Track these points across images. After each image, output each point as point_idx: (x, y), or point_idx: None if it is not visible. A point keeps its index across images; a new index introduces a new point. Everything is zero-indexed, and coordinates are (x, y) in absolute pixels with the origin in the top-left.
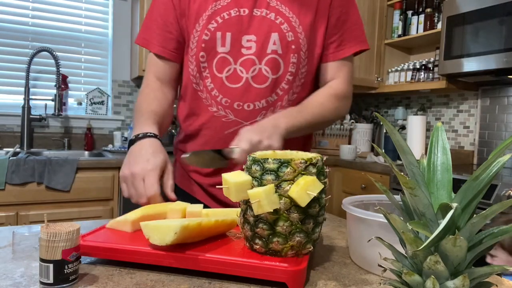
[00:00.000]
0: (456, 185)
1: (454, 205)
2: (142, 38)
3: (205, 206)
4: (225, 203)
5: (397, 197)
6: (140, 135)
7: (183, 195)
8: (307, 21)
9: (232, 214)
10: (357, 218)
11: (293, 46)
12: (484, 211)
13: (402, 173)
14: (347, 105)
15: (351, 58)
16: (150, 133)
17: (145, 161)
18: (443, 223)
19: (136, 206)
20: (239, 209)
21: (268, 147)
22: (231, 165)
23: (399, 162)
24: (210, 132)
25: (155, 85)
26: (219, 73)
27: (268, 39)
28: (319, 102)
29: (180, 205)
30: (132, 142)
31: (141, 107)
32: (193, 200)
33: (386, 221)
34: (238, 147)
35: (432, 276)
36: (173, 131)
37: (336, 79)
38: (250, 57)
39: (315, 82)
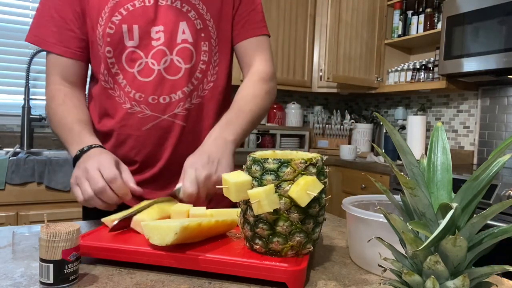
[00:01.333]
0: (456, 185)
1: (454, 205)
2: (34, 35)
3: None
4: None
5: (397, 197)
6: (85, 149)
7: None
8: (214, 8)
9: (232, 215)
10: (357, 218)
11: (202, 34)
12: (484, 211)
13: (402, 173)
14: (275, 85)
15: (264, 40)
16: (95, 144)
17: (96, 158)
18: (443, 223)
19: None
20: (239, 209)
21: (218, 180)
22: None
23: (399, 162)
24: (127, 130)
25: (66, 90)
26: (130, 68)
27: (177, 29)
28: (251, 94)
29: (183, 207)
30: (77, 158)
31: (65, 119)
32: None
33: (386, 221)
34: (183, 187)
35: (432, 276)
36: None
37: (255, 61)
38: (160, 47)
39: (230, 70)
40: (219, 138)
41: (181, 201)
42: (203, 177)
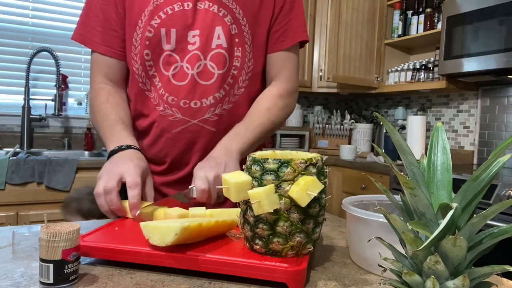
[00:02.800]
0: (456, 185)
1: (454, 205)
2: (80, 34)
3: None
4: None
5: (397, 197)
6: (123, 147)
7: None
8: (251, 12)
9: (232, 215)
10: (357, 218)
11: (237, 39)
12: (484, 211)
13: (402, 173)
14: (294, 101)
15: (296, 49)
16: (134, 146)
17: (122, 163)
18: (443, 223)
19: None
20: (239, 210)
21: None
22: (192, 203)
23: (399, 162)
24: (158, 131)
25: (109, 88)
26: (166, 71)
27: (212, 33)
28: (265, 108)
29: (178, 211)
30: (114, 152)
31: (106, 115)
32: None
33: (386, 221)
34: (196, 185)
35: (432, 276)
36: None
37: (280, 75)
38: (195, 52)
39: (264, 76)
40: (224, 147)
41: (194, 201)
42: (212, 176)
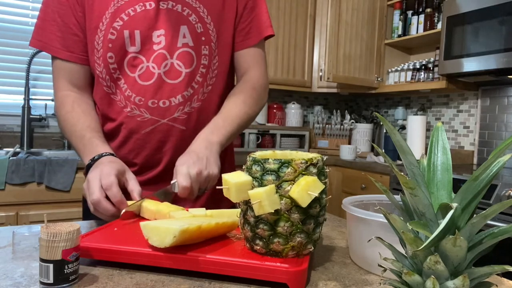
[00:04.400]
0: (456, 185)
1: (454, 205)
2: (38, 40)
3: None
4: None
5: (397, 197)
6: (96, 157)
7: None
8: (215, 11)
9: (233, 216)
10: (357, 218)
11: (203, 38)
12: (484, 211)
13: (402, 173)
14: (266, 95)
15: (263, 45)
16: (105, 153)
17: (100, 168)
18: (443, 223)
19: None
20: (239, 210)
21: (209, 176)
22: (176, 199)
23: (399, 162)
24: (126, 133)
25: (74, 95)
26: (132, 73)
27: (178, 32)
28: (241, 100)
29: (168, 207)
30: (89, 167)
31: (75, 126)
32: None
33: (386, 221)
34: (178, 181)
35: (432, 276)
36: None
37: (251, 70)
38: (161, 51)
39: (230, 72)
40: (205, 140)
41: (175, 196)
42: (195, 172)
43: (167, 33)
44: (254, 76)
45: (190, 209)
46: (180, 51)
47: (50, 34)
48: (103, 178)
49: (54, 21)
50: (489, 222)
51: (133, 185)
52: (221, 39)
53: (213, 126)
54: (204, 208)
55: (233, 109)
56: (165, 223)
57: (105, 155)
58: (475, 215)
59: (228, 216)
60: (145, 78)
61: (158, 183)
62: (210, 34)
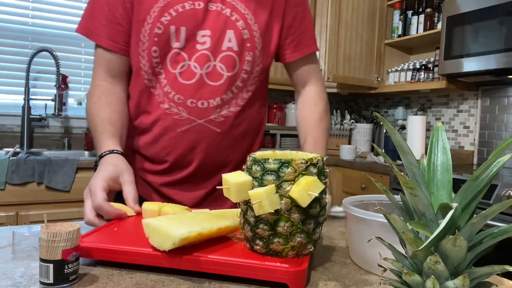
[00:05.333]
0: (456, 185)
1: (454, 205)
2: (84, 27)
3: None
4: (178, 203)
5: (397, 197)
6: (103, 154)
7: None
8: (262, 19)
9: (237, 218)
10: (357, 218)
11: (248, 44)
12: (484, 211)
13: (402, 173)
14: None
15: (314, 57)
16: (108, 151)
17: (95, 177)
18: (443, 223)
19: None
20: (239, 210)
21: None
22: None
23: (399, 162)
24: (161, 129)
25: (105, 86)
26: (173, 69)
27: (224, 36)
28: (318, 119)
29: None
30: (96, 165)
31: (94, 119)
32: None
33: (386, 221)
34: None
35: (432, 276)
36: None
37: (311, 79)
38: (205, 52)
39: (267, 81)
40: None
41: None
42: None
43: (213, 35)
44: (316, 85)
45: (193, 210)
46: (224, 54)
47: (97, 22)
48: (93, 196)
49: (102, 9)
50: (489, 222)
51: (128, 192)
52: (265, 48)
53: (315, 141)
54: (207, 209)
55: (318, 132)
56: (166, 226)
57: (105, 154)
58: (475, 215)
59: (231, 217)
60: (186, 77)
61: (186, 183)
62: (255, 42)
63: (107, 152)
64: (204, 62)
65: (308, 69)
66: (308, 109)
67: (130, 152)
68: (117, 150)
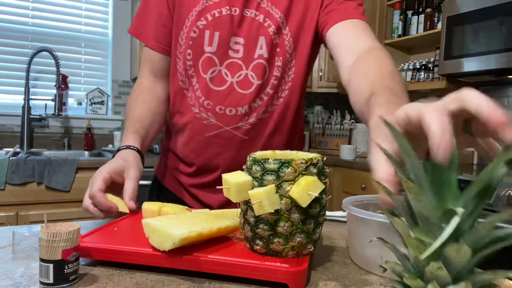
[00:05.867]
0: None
1: (460, 210)
2: (135, 28)
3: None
4: (206, 205)
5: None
6: (120, 148)
7: (166, 195)
8: (294, 20)
9: (237, 217)
10: (357, 218)
11: (278, 49)
12: (491, 218)
13: (404, 175)
14: None
15: (365, 25)
16: (123, 146)
17: (100, 169)
18: (447, 230)
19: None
20: (239, 210)
21: None
22: None
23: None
24: (191, 132)
25: (147, 84)
26: (204, 73)
27: (256, 44)
28: (389, 71)
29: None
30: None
31: (128, 112)
32: (176, 201)
33: (386, 221)
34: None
35: (434, 281)
36: None
37: (363, 41)
38: (237, 61)
39: (303, 87)
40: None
41: None
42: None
43: (246, 43)
44: (372, 41)
45: (193, 210)
46: (255, 62)
47: (146, 22)
48: (91, 185)
49: (150, 11)
50: None
51: (127, 187)
52: (297, 50)
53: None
54: (207, 209)
55: (395, 82)
56: (166, 226)
57: (122, 149)
58: (480, 220)
59: (231, 217)
60: (217, 84)
61: (212, 186)
62: (285, 45)
63: (124, 146)
64: (236, 70)
65: (356, 34)
66: (369, 62)
67: (165, 151)
68: (134, 146)
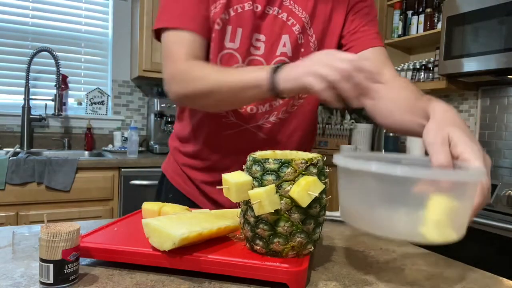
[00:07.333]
0: None
1: None
2: (167, 19)
3: (197, 206)
4: (217, 203)
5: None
6: (281, 66)
7: (174, 193)
8: (320, 23)
9: (237, 218)
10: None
11: (302, 49)
12: None
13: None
14: None
15: (383, 51)
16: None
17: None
18: None
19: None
20: (239, 210)
21: None
22: None
23: None
24: (208, 130)
25: (199, 61)
26: None
27: (278, 41)
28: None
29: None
30: (275, 70)
31: (222, 70)
32: (185, 199)
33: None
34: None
35: None
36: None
37: (391, 69)
38: (258, 58)
39: None
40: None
41: None
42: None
43: (268, 40)
44: (403, 79)
45: (193, 210)
46: (277, 59)
47: (181, 9)
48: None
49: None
50: (490, 222)
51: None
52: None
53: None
54: (207, 209)
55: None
56: (166, 226)
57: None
58: None
59: (231, 217)
60: None
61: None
62: (310, 46)
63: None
64: None
65: (379, 63)
66: (401, 83)
67: (175, 148)
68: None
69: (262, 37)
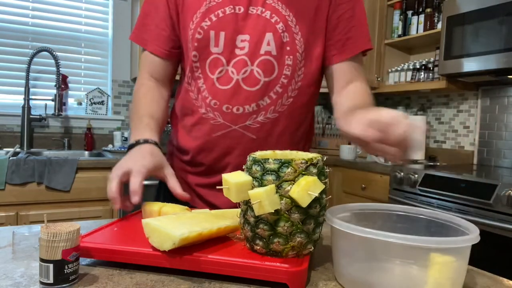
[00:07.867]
0: (457, 184)
1: None
2: (135, 34)
3: (191, 207)
4: (213, 205)
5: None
6: (141, 141)
7: (174, 197)
8: (305, 21)
9: (236, 218)
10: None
11: (288, 48)
12: None
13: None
14: None
15: (360, 59)
16: (151, 140)
17: (140, 158)
18: None
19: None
20: (239, 210)
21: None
22: None
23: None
24: (199, 133)
25: (150, 84)
26: (211, 74)
27: (262, 39)
28: (369, 101)
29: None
30: (131, 147)
31: (138, 109)
32: (178, 202)
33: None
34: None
35: None
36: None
37: (357, 81)
38: (242, 57)
39: (316, 87)
40: None
41: None
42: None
43: (252, 39)
44: (362, 86)
45: (193, 210)
46: (262, 58)
47: (147, 28)
48: (134, 167)
49: (150, 17)
50: (491, 223)
51: (173, 183)
52: (309, 51)
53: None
54: (207, 209)
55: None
56: (166, 226)
57: (149, 142)
58: None
59: (231, 217)
60: (224, 82)
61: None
62: (296, 45)
63: (150, 140)
64: (241, 67)
65: (352, 71)
66: (353, 96)
67: (172, 152)
68: (156, 142)
69: (246, 36)
